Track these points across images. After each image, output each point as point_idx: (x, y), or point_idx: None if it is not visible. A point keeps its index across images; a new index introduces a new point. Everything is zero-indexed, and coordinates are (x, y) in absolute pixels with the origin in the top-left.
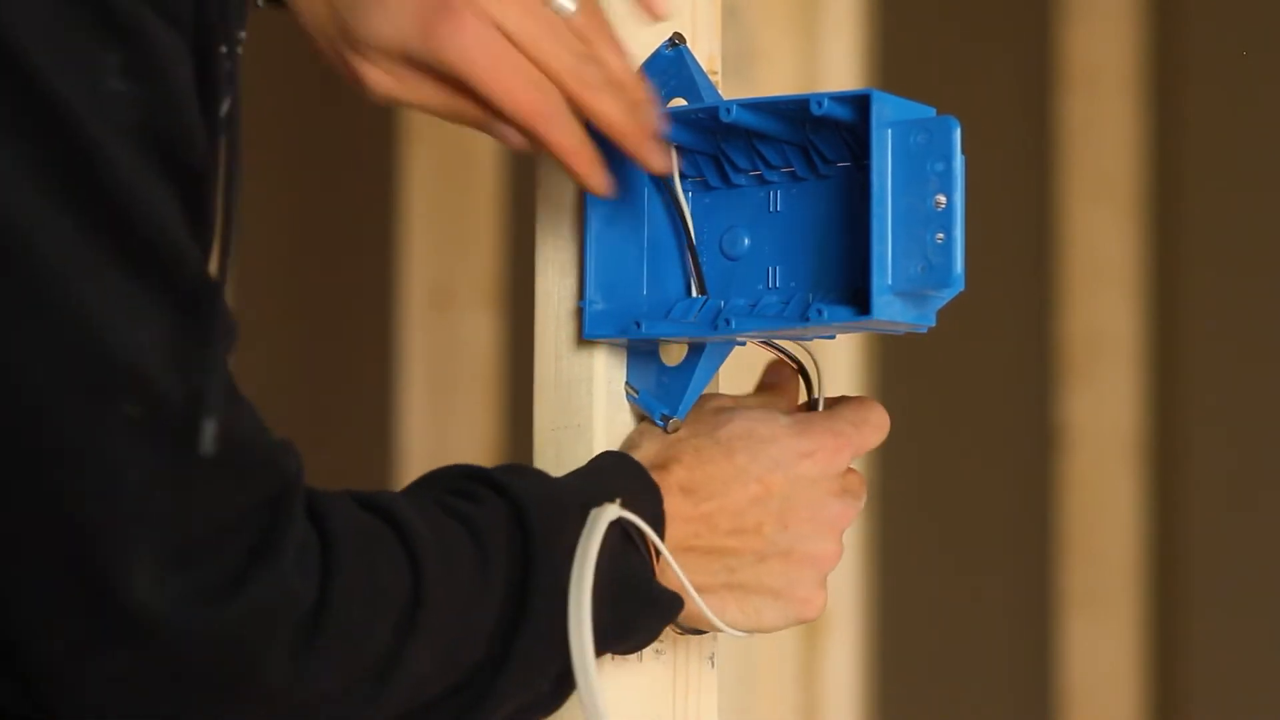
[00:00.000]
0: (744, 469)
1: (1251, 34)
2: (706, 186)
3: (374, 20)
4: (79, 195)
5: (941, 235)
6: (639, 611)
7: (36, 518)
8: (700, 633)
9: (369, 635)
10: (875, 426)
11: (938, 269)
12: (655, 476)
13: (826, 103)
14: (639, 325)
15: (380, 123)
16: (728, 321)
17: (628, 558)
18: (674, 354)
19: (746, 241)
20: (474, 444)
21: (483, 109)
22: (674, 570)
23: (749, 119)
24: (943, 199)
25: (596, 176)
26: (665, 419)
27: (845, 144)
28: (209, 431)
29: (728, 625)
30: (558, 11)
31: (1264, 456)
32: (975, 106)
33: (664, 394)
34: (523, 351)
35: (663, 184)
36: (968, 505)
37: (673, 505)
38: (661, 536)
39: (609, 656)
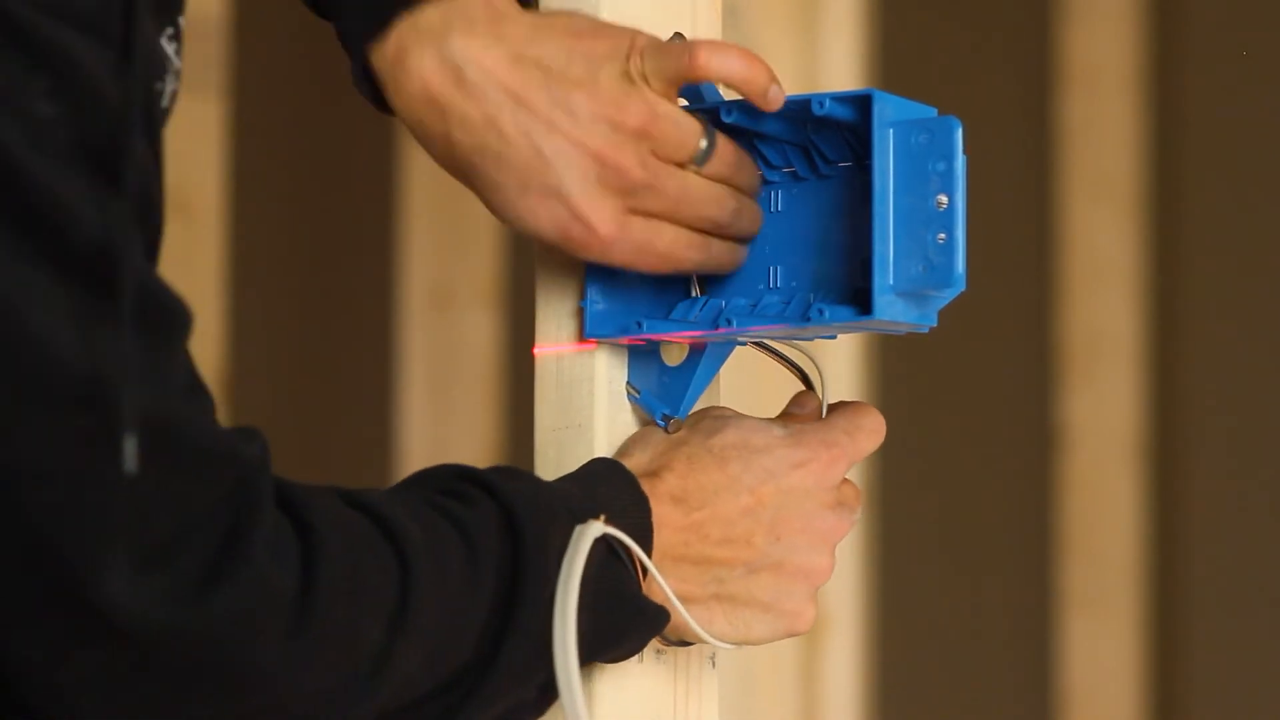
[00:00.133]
0: (736, 479)
1: (1251, 34)
2: None
3: (509, 213)
4: (18, 220)
5: (943, 235)
6: (624, 623)
7: (6, 530)
8: (687, 644)
9: (357, 631)
10: (870, 432)
11: (939, 269)
12: (646, 484)
13: (828, 103)
14: (640, 325)
15: (380, 123)
16: (729, 321)
17: (614, 570)
18: (675, 354)
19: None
20: (474, 444)
21: None
22: (659, 584)
23: (750, 119)
24: (944, 199)
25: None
26: (666, 419)
27: (846, 144)
28: (130, 450)
29: (715, 637)
30: (699, 161)
31: (1264, 457)
32: (975, 106)
33: (665, 394)
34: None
35: None
36: (968, 505)
37: (663, 513)
38: (649, 547)
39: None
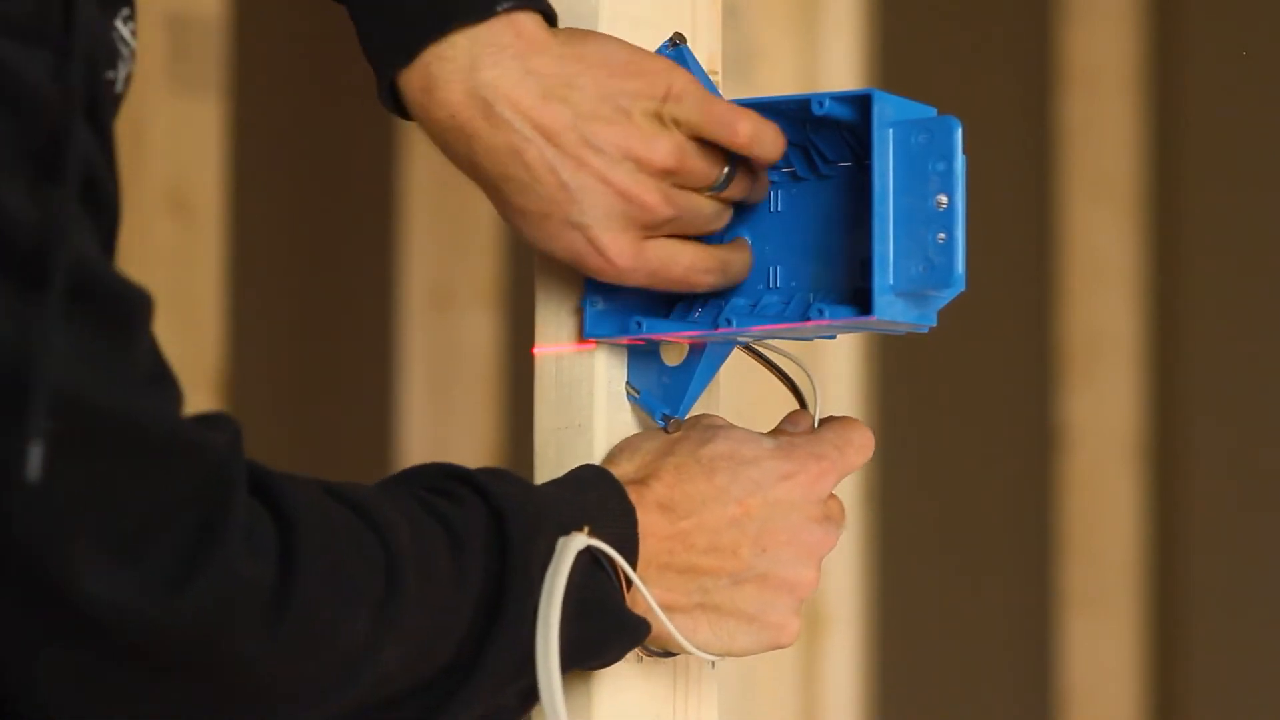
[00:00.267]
0: (724, 489)
1: (1251, 34)
2: None
3: (526, 233)
4: None
5: (943, 235)
6: (605, 634)
7: None
8: (671, 655)
9: (339, 623)
10: (859, 447)
11: (939, 269)
12: (634, 492)
13: (828, 102)
14: (639, 325)
15: (380, 123)
16: (729, 321)
17: (597, 580)
18: (675, 354)
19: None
20: (474, 444)
21: None
22: (643, 594)
23: None
24: (944, 199)
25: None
26: (666, 419)
27: (846, 144)
28: (34, 455)
29: (699, 648)
30: (718, 188)
31: (1264, 457)
32: (975, 106)
33: (665, 394)
34: (523, 351)
35: None
36: (968, 505)
37: (649, 521)
38: (634, 556)
39: None
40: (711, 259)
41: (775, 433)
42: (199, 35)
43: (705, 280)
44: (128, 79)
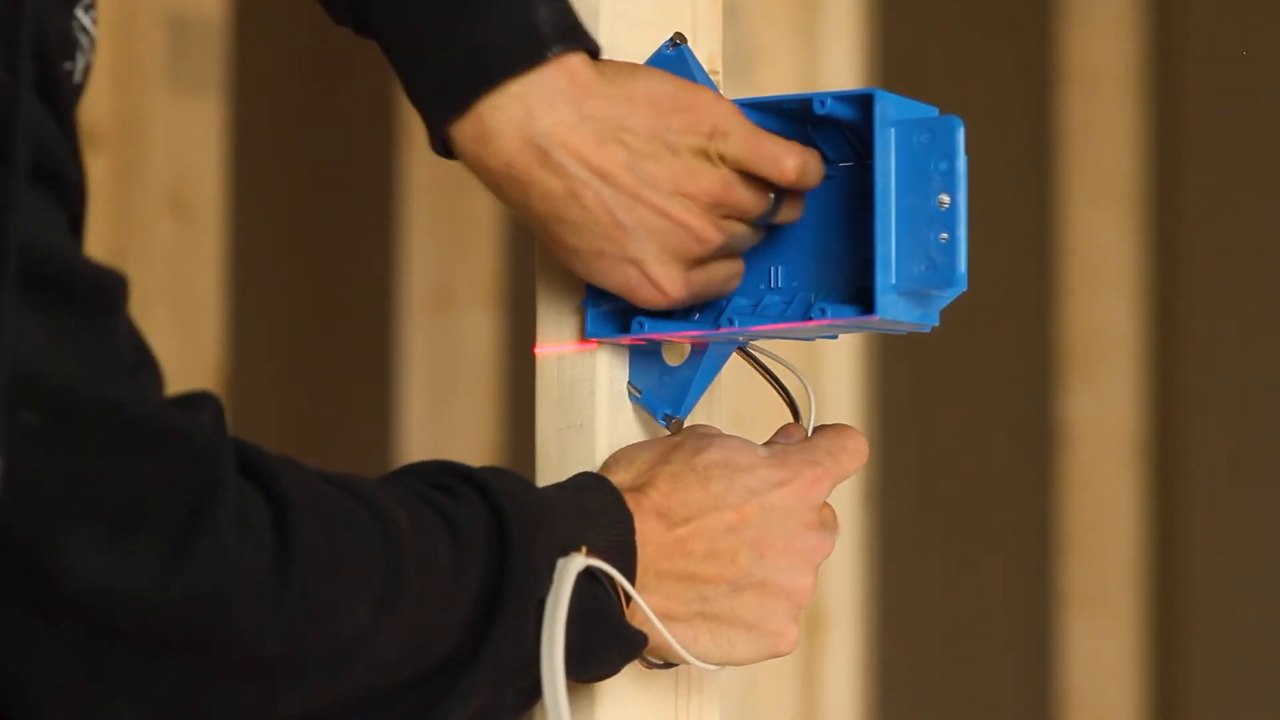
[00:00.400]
0: (720, 496)
1: (1251, 34)
2: None
3: (576, 268)
4: None
5: (945, 235)
6: (603, 645)
7: None
8: (671, 665)
9: (337, 604)
10: (853, 454)
11: (941, 268)
12: (631, 499)
13: (829, 102)
14: (641, 325)
15: (380, 123)
16: (730, 321)
17: (595, 591)
18: (676, 354)
19: None
20: (474, 444)
21: None
22: (642, 608)
23: (751, 119)
24: (946, 198)
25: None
26: (668, 419)
27: (848, 143)
28: None
29: (699, 657)
30: (765, 220)
31: (1264, 457)
32: (975, 106)
33: (666, 394)
34: (523, 351)
35: None
36: (968, 505)
37: (647, 528)
38: (633, 562)
39: None
40: (739, 268)
41: (769, 443)
42: (199, 35)
43: (732, 287)
44: (87, 69)
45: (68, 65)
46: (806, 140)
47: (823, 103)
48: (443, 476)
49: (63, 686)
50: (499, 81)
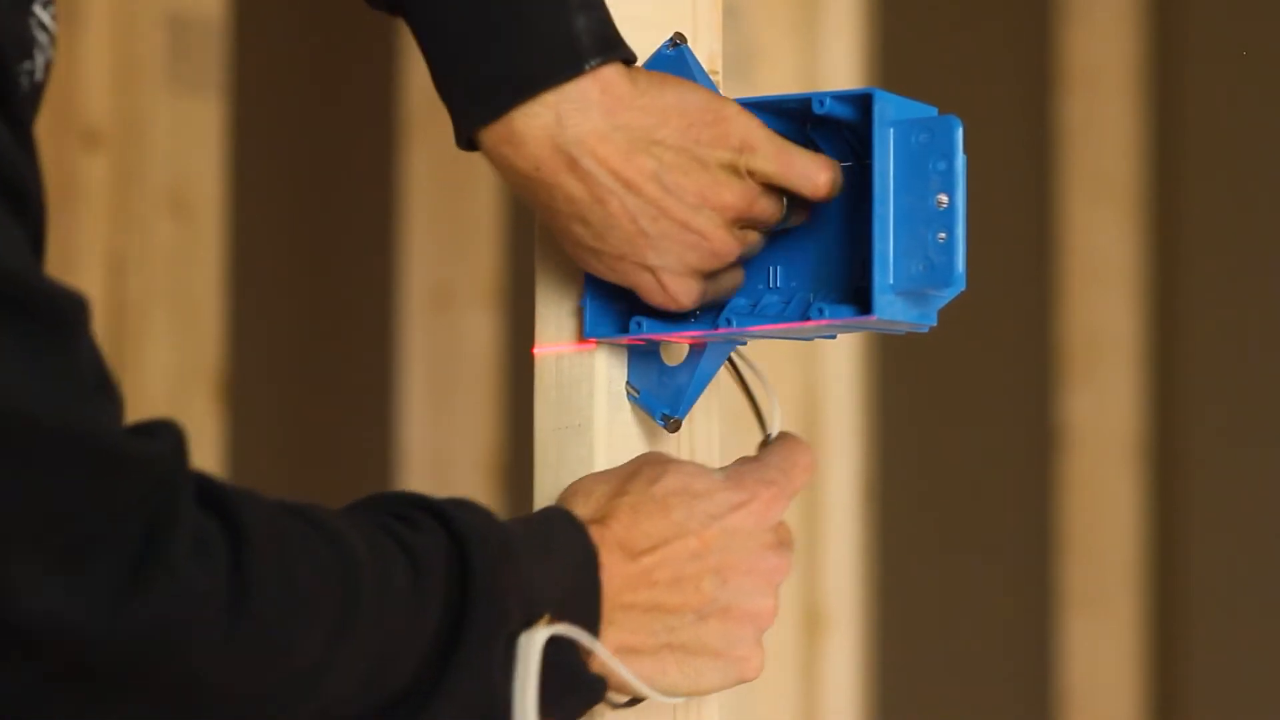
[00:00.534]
0: (681, 524)
1: (1251, 34)
2: None
3: (591, 267)
4: None
5: (943, 234)
6: (563, 693)
7: None
8: (637, 702)
9: (297, 639)
10: (804, 468)
11: (939, 268)
12: (594, 532)
13: (828, 102)
14: (639, 325)
15: (380, 123)
16: (729, 321)
17: (557, 642)
18: (675, 354)
19: None
20: (474, 444)
21: None
22: (603, 656)
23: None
24: (944, 198)
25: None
26: (666, 419)
27: (847, 143)
28: None
29: (668, 690)
30: (780, 226)
31: (1264, 457)
32: (975, 106)
33: (665, 394)
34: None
35: None
36: (968, 505)
37: (610, 561)
38: (598, 598)
39: None
40: (742, 275)
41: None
42: (199, 35)
43: (735, 292)
44: (48, 66)
45: (27, 65)
46: (806, 140)
47: (821, 102)
48: (404, 507)
49: None
50: (536, 93)
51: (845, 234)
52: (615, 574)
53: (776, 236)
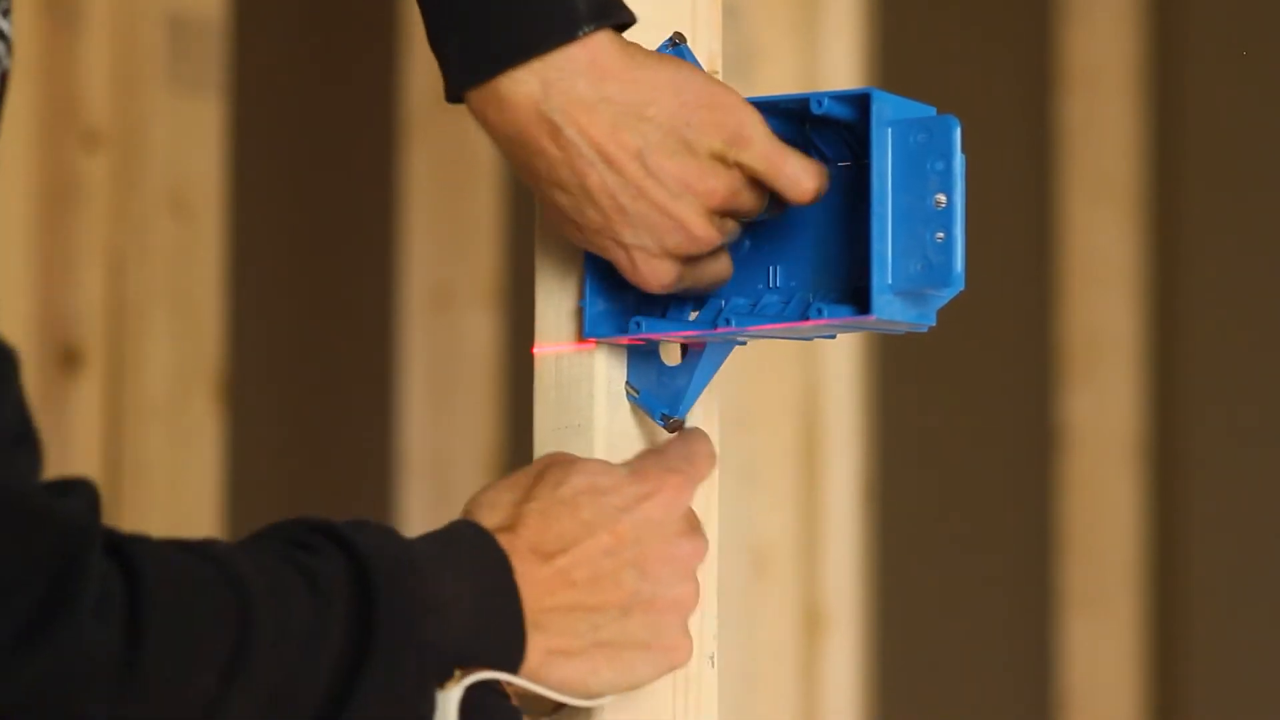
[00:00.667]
0: (591, 522)
1: (1251, 34)
2: None
3: (568, 236)
4: None
5: (942, 234)
6: None
7: None
8: (561, 708)
9: (189, 681)
10: (707, 456)
11: (938, 268)
12: (504, 540)
13: (827, 101)
14: (639, 325)
15: (380, 122)
16: (728, 321)
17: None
18: (674, 354)
19: (746, 241)
20: (474, 444)
21: None
22: (520, 684)
23: None
24: (943, 198)
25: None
26: (665, 418)
27: (845, 143)
28: None
29: (601, 688)
30: (763, 217)
31: (1264, 457)
32: (975, 106)
33: (664, 393)
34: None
35: None
36: (968, 505)
37: (524, 568)
38: (517, 602)
39: None
40: (728, 268)
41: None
42: (199, 35)
43: (721, 283)
44: (4, 76)
45: None
46: (804, 140)
47: (820, 102)
48: (303, 533)
49: None
50: (524, 59)
51: (844, 234)
52: (531, 579)
53: (776, 235)
